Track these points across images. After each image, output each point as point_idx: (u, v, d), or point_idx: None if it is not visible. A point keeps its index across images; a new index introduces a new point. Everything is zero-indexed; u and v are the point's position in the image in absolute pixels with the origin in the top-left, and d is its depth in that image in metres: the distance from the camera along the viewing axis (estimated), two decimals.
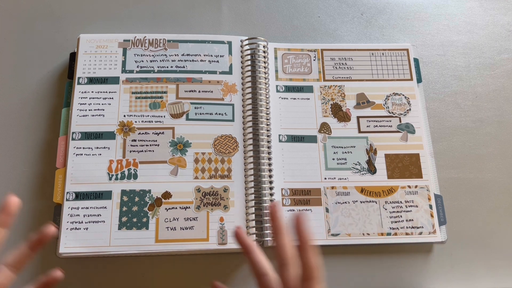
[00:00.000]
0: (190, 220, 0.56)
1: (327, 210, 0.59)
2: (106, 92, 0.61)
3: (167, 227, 0.55)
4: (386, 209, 0.59)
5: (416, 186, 0.61)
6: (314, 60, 0.67)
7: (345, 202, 0.59)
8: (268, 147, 0.60)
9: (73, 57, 0.64)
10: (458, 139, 0.66)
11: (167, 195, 0.57)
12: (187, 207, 0.56)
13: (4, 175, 0.59)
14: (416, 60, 0.68)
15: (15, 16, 0.68)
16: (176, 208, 0.56)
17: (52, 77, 0.64)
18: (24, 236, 0.55)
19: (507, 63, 0.71)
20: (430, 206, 0.60)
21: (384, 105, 0.65)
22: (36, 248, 0.40)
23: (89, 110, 0.60)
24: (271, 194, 0.58)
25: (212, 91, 0.62)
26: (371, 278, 0.57)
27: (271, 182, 0.59)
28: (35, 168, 0.59)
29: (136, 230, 0.55)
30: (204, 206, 0.57)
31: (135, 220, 0.55)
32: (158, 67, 0.63)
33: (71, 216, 0.55)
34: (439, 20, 0.74)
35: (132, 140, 0.59)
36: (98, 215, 0.55)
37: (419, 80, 0.67)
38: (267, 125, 0.61)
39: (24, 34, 0.67)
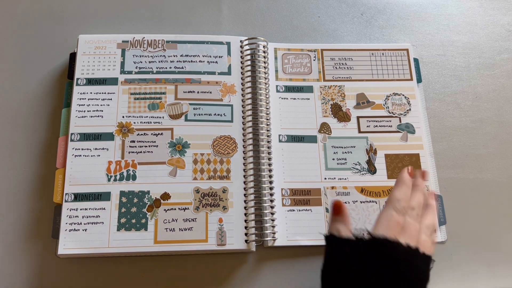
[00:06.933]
0: (189, 221, 0.56)
1: (327, 210, 0.59)
2: (105, 93, 0.61)
3: (166, 228, 0.55)
4: None
5: None
6: (314, 60, 0.67)
7: (345, 202, 0.59)
8: (268, 147, 0.60)
9: (73, 57, 0.64)
10: (458, 139, 0.65)
11: (166, 196, 0.57)
12: (186, 208, 0.56)
13: (4, 175, 0.59)
14: (416, 60, 0.68)
15: (15, 16, 0.68)
16: (175, 209, 0.56)
17: (52, 77, 0.65)
18: (25, 236, 0.56)
19: (507, 63, 0.71)
20: None
21: (384, 105, 0.65)
22: None
23: (88, 111, 0.60)
24: (271, 194, 0.58)
25: (211, 92, 0.62)
26: None
27: (271, 182, 0.59)
28: (35, 168, 0.59)
29: (135, 231, 0.55)
30: (203, 207, 0.57)
31: (134, 221, 0.55)
32: (157, 68, 0.63)
33: (69, 217, 0.55)
34: (439, 20, 0.74)
35: (131, 141, 0.59)
36: (97, 216, 0.55)
37: (419, 80, 0.67)
38: (267, 125, 0.61)
39: (24, 34, 0.67)
